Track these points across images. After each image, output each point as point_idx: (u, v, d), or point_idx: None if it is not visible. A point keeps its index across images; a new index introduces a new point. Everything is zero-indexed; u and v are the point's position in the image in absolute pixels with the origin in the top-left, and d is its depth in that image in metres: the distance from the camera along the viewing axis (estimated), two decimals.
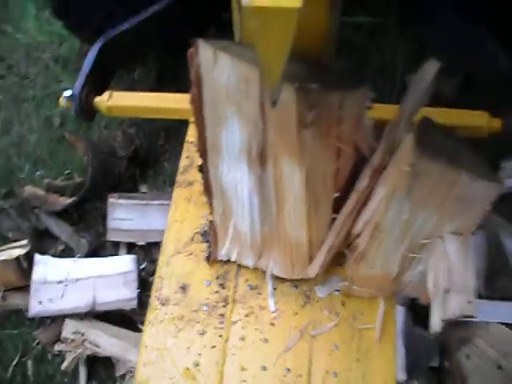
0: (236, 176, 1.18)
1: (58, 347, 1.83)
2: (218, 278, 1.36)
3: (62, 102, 1.65)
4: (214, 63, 1.00)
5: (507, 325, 1.71)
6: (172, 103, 1.68)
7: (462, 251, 1.06)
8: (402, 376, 1.61)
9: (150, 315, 1.30)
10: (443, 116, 1.50)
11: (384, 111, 1.30)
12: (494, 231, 1.85)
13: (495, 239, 1.83)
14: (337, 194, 1.18)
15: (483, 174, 0.99)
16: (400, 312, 1.62)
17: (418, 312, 1.70)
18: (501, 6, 1.90)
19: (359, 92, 1.01)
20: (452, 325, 1.75)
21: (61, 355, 1.84)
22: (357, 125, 1.07)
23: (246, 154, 1.13)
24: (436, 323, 1.03)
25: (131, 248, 2.03)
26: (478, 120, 1.57)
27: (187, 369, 1.22)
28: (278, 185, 1.15)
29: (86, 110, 1.66)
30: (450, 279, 1.04)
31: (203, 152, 1.18)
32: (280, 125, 1.02)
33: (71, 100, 1.63)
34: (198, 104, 1.09)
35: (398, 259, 1.16)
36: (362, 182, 1.14)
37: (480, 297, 1.82)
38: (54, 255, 1.98)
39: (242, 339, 1.26)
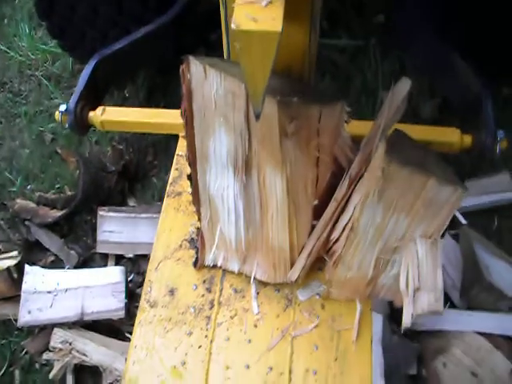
0: (223, 183, 1.26)
1: (45, 356, 1.86)
2: (204, 282, 1.42)
3: (57, 116, 1.71)
4: (204, 78, 1.08)
5: (481, 334, 1.76)
6: (163, 118, 1.75)
7: (431, 253, 1.14)
8: (381, 383, 1.66)
9: (140, 316, 1.36)
10: (418, 132, 1.58)
11: (365, 127, 1.38)
12: (469, 244, 1.92)
13: (470, 252, 1.90)
14: (316, 202, 1.25)
15: (449, 179, 1.07)
16: (378, 320, 1.67)
17: (395, 320, 1.77)
18: (474, 31, 2.02)
19: (337, 107, 1.09)
20: (429, 334, 1.82)
21: (49, 364, 1.87)
22: (335, 137, 1.15)
23: (233, 163, 1.20)
24: (407, 319, 1.11)
25: (119, 260, 2.08)
26: (450, 136, 1.66)
27: (175, 367, 1.28)
28: (261, 192, 1.23)
29: (81, 124, 1.72)
30: (419, 279, 1.11)
31: (192, 161, 1.26)
32: (263, 135, 1.10)
33: (66, 114, 1.69)
34: (188, 116, 1.17)
35: (372, 262, 1.24)
36: (341, 191, 1.22)
37: (455, 307, 1.90)
38: (44, 266, 2.02)
39: (227, 339, 1.33)
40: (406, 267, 1.15)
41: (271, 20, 0.83)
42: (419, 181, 1.07)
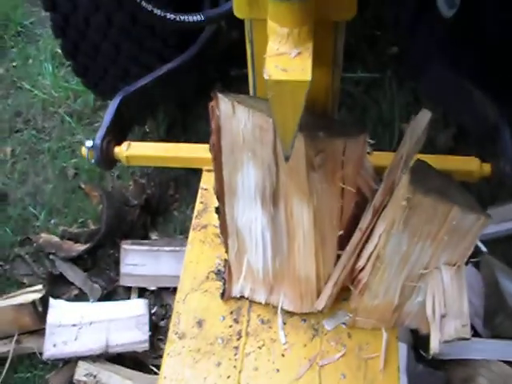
0: (250, 216, 1.29)
1: None
2: (231, 313, 1.44)
3: (84, 151, 1.76)
4: (232, 114, 1.12)
5: (507, 362, 1.76)
6: (187, 153, 1.79)
7: (456, 280, 1.16)
8: None
9: (169, 348, 1.38)
10: (437, 162, 1.59)
11: (383, 158, 1.41)
12: (490, 272, 1.93)
13: (492, 279, 1.90)
14: (341, 232, 1.28)
15: (472, 207, 1.09)
16: (403, 349, 1.68)
17: (420, 349, 1.77)
18: (488, 60, 2.06)
19: (360, 139, 1.13)
20: (454, 363, 1.81)
21: None
22: (358, 168, 1.18)
23: (260, 195, 1.23)
24: (435, 345, 1.12)
25: (142, 293, 2.10)
26: (469, 165, 1.68)
27: None
28: (288, 223, 1.26)
29: (106, 159, 1.77)
30: (445, 305, 1.13)
31: (220, 194, 1.29)
32: (291, 168, 1.13)
33: (92, 150, 1.74)
34: (217, 150, 1.20)
35: (398, 289, 1.26)
36: (365, 221, 1.25)
37: (480, 335, 1.89)
38: (68, 300, 2.05)
39: (256, 369, 1.34)
40: (431, 294, 1.17)
41: (301, 70, 0.89)
42: (443, 209, 1.09)
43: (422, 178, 1.11)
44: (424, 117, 1.21)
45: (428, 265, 1.20)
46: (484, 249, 2.08)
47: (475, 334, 1.89)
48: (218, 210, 1.33)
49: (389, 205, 1.18)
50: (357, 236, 1.27)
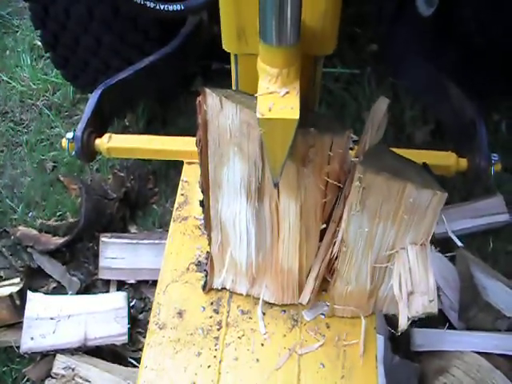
0: (235, 210, 1.30)
1: (48, 383, 1.86)
2: (212, 303, 1.45)
3: (64, 143, 1.75)
4: (220, 109, 1.13)
5: (481, 354, 1.79)
6: (168, 145, 1.80)
7: (421, 258, 1.18)
8: None
9: (149, 338, 1.38)
10: (415, 156, 1.63)
11: None
12: (465, 266, 1.97)
13: (467, 273, 1.94)
14: (324, 226, 1.30)
15: (427, 184, 1.11)
16: (380, 341, 1.70)
17: (397, 341, 1.80)
18: (466, 57, 2.10)
19: (345, 134, 1.14)
20: (429, 355, 1.85)
21: None
22: (342, 163, 1.19)
23: (245, 190, 1.24)
24: (403, 322, 1.14)
25: (121, 286, 2.10)
26: (446, 160, 1.71)
27: None
28: (272, 217, 1.27)
29: (87, 152, 1.76)
30: (412, 283, 1.15)
31: (205, 188, 1.30)
32: None
33: (73, 142, 1.73)
34: (203, 145, 1.21)
35: (369, 273, 1.28)
36: (338, 212, 1.27)
37: (454, 328, 1.93)
38: (46, 293, 2.03)
39: (236, 359, 1.35)
40: (398, 273, 1.19)
41: (290, 109, 0.96)
42: (397, 187, 1.11)
43: (376, 159, 1.13)
44: (382, 104, 1.24)
45: (393, 246, 1.22)
46: (460, 243, 2.13)
47: (450, 326, 1.94)
48: (202, 204, 1.33)
49: (350, 189, 1.20)
50: (331, 228, 1.30)
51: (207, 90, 1.11)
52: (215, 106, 1.12)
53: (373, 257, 1.25)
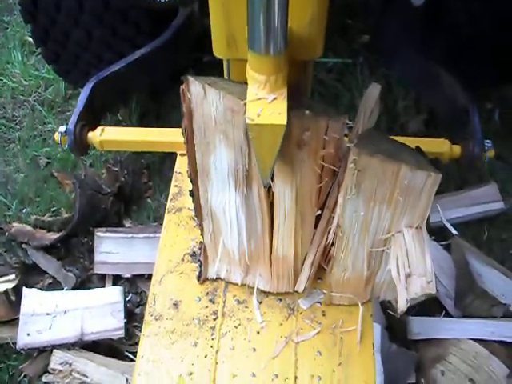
0: (224, 198, 1.29)
1: (45, 379, 1.85)
2: (207, 294, 1.45)
3: (57, 137, 1.74)
4: (203, 97, 1.12)
5: (477, 341, 1.80)
6: (161, 137, 1.79)
7: (417, 240, 1.18)
8: None
9: (146, 329, 1.38)
10: (409, 144, 1.64)
11: None
12: (461, 254, 1.97)
13: (462, 261, 1.95)
14: (319, 212, 1.29)
15: (422, 166, 1.12)
16: (377, 329, 1.70)
17: (394, 330, 1.80)
18: (457, 46, 2.10)
19: (341, 119, 1.14)
20: (426, 343, 1.85)
21: None
22: (337, 149, 1.19)
23: (233, 177, 1.24)
24: (402, 304, 1.14)
25: (117, 280, 2.09)
26: (440, 147, 1.72)
27: (182, 378, 1.30)
28: (262, 204, 1.27)
29: (80, 145, 1.76)
30: (409, 265, 1.15)
31: (194, 177, 1.30)
32: None
33: (65, 135, 1.72)
34: (189, 134, 1.21)
35: (365, 258, 1.29)
36: (332, 198, 1.27)
37: (450, 315, 1.94)
38: (41, 289, 2.02)
39: (232, 349, 1.35)
40: (395, 256, 1.19)
41: (278, 114, 1.00)
42: (391, 169, 1.11)
43: (370, 141, 1.13)
44: (374, 90, 1.24)
45: (389, 229, 1.22)
46: (455, 232, 2.13)
47: (446, 314, 1.94)
48: (192, 193, 1.33)
49: (345, 173, 1.20)
50: (326, 214, 1.30)
51: (190, 78, 1.11)
52: (199, 94, 1.12)
53: (369, 241, 1.25)
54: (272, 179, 1.20)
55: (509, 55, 2.11)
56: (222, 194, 1.30)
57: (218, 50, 1.18)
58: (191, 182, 1.31)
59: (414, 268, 1.14)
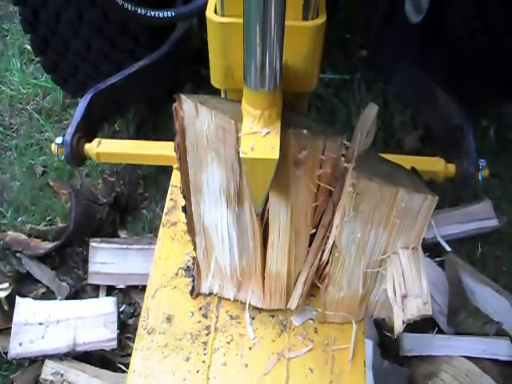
0: (216, 214, 1.30)
1: None
2: (200, 309, 1.45)
3: (54, 148, 1.75)
4: (195, 115, 1.13)
5: (470, 358, 1.80)
6: (157, 150, 1.80)
7: (413, 261, 1.19)
8: None
9: (138, 343, 1.38)
10: (403, 162, 1.64)
11: None
12: (454, 271, 1.98)
13: (456, 278, 1.96)
14: (314, 231, 1.30)
15: (418, 189, 1.12)
16: (369, 345, 1.71)
17: (386, 346, 1.80)
18: (454, 64, 2.12)
19: (338, 139, 1.15)
20: (418, 359, 1.86)
21: None
22: (334, 169, 1.20)
23: (225, 195, 1.24)
24: (399, 325, 1.14)
25: (111, 291, 2.10)
26: (434, 166, 1.73)
27: None
28: (254, 221, 1.27)
29: (76, 156, 1.76)
30: (405, 286, 1.16)
31: (187, 193, 1.30)
32: None
33: (62, 147, 1.73)
34: (182, 151, 1.21)
35: (361, 278, 1.29)
36: (327, 217, 1.27)
37: (443, 332, 1.94)
38: (35, 298, 2.03)
39: (224, 364, 1.35)
40: (391, 277, 1.19)
41: (270, 148, 1.02)
42: (389, 192, 1.12)
43: (368, 164, 1.14)
44: (371, 110, 1.24)
45: (385, 250, 1.22)
46: (448, 248, 2.14)
47: (439, 330, 1.95)
48: (184, 209, 1.34)
49: (342, 195, 1.21)
50: (320, 232, 1.30)
51: (182, 97, 1.12)
52: (191, 112, 1.12)
53: (365, 262, 1.26)
54: (265, 205, 1.21)
55: (507, 72, 2.13)
56: (214, 210, 1.30)
57: (216, 80, 1.20)
58: (184, 198, 1.32)
59: (409, 289, 1.14)
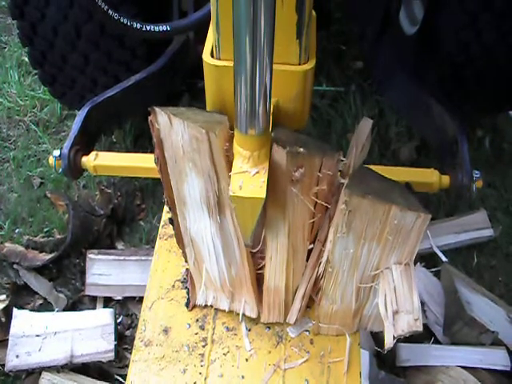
0: (201, 225, 1.31)
1: None
2: (197, 320, 1.47)
3: (51, 161, 1.76)
4: (170, 126, 1.15)
5: (466, 368, 1.80)
6: (153, 163, 1.80)
7: (405, 277, 1.20)
8: None
9: (135, 355, 1.39)
10: (399, 174, 1.68)
11: None
12: (450, 281, 1.98)
13: (452, 288, 1.96)
14: (311, 246, 1.31)
15: (412, 206, 1.14)
16: (365, 356, 1.71)
17: (382, 357, 1.81)
18: (448, 76, 2.13)
19: (335, 156, 1.17)
20: (414, 370, 1.86)
21: None
22: (330, 185, 1.21)
23: (206, 204, 1.26)
24: (389, 340, 1.16)
25: (108, 302, 2.10)
26: (429, 177, 1.74)
27: None
28: (237, 230, 1.28)
29: (74, 169, 1.77)
30: (397, 302, 1.17)
31: (172, 205, 1.32)
32: (271, 182, 1.16)
33: (60, 159, 1.74)
34: (162, 163, 1.23)
35: (354, 292, 1.30)
36: (323, 232, 1.28)
37: (439, 342, 1.95)
38: (32, 310, 2.02)
39: (221, 376, 1.36)
40: (383, 292, 1.21)
41: (258, 187, 1.08)
42: (382, 210, 1.13)
43: (361, 181, 1.15)
44: (366, 125, 1.26)
45: (378, 266, 1.24)
46: (444, 258, 2.15)
47: (435, 341, 1.95)
48: (171, 221, 1.35)
49: (336, 211, 1.22)
50: (317, 247, 1.31)
51: (156, 109, 1.13)
52: (166, 124, 1.14)
53: (358, 277, 1.27)
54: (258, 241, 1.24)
55: (500, 83, 2.15)
56: (198, 221, 1.31)
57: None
58: (170, 209, 1.33)
59: (401, 305, 1.16)
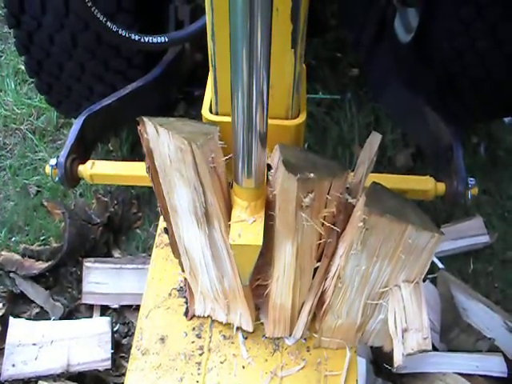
0: (191, 235, 1.31)
1: None
2: (194, 329, 1.46)
3: (48, 170, 1.76)
4: (157, 136, 1.14)
5: (463, 375, 1.80)
6: None
7: (415, 295, 1.20)
8: None
9: (132, 364, 1.39)
10: (395, 181, 1.68)
11: None
12: (446, 287, 1.99)
13: (448, 295, 1.96)
14: (318, 264, 1.31)
15: (426, 226, 1.14)
16: (362, 363, 1.72)
17: (379, 364, 1.81)
18: (443, 83, 2.15)
19: (344, 176, 1.16)
20: (411, 377, 1.86)
21: None
22: (338, 205, 1.21)
23: (194, 215, 1.25)
24: (398, 358, 1.16)
25: (105, 311, 2.10)
26: (424, 184, 1.74)
27: None
28: (226, 242, 1.28)
29: (70, 178, 1.77)
30: (406, 320, 1.17)
31: (165, 214, 1.32)
32: (281, 207, 1.18)
33: (56, 168, 1.74)
34: (153, 172, 1.23)
35: (360, 308, 1.30)
36: (330, 247, 1.28)
37: (436, 349, 1.95)
38: (29, 318, 2.03)
39: None
40: (392, 310, 1.20)
41: (256, 235, 1.16)
42: (398, 228, 1.13)
43: (377, 199, 1.15)
44: (375, 140, 1.26)
45: (387, 283, 1.23)
46: (441, 265, 2.16)
47: (432, 348, 1.94)
48: (166, 230, 1.35)
49: (347, 227, 1.22)
50: (324, 263, 1.31)
51: (144, 119, 1.13)
52: (154, 134, 1.13)
53: (366, 293, 1.27)
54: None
55: (494, 90, 2.16)
56: (190, 231, 1.31)
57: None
58: (164, 219, 1.33)
59: (410, 323, 1.16)
